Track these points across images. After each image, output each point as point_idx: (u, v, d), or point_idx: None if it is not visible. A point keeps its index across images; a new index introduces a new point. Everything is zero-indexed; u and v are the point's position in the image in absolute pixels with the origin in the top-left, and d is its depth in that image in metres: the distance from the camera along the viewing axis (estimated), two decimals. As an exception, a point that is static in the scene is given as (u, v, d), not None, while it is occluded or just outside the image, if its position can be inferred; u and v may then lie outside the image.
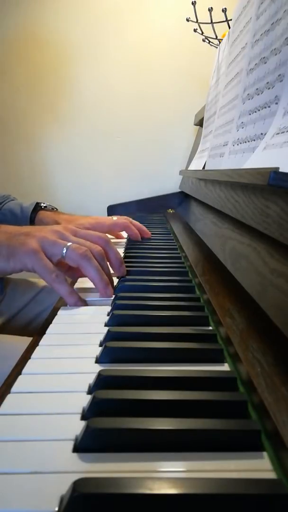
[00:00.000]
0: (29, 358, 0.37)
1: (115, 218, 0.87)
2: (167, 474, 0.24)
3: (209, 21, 1.11)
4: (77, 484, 0.21)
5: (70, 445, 0.26)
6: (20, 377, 0.33)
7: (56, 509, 0.21)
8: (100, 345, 0.39)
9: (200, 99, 1.40)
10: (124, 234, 0.95)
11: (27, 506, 0.21)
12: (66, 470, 0.24)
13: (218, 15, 1.06)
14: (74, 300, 0.50)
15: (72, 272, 0.59)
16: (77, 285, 0.60)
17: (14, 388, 0.32)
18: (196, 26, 1.18)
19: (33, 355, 0.37)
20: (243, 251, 0.47)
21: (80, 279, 0.62)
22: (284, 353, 0.31)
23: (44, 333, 0.42)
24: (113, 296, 0.53)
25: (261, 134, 0.53)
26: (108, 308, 0.49)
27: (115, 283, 0.57)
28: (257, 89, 0.59)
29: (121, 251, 0.82)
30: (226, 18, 1.03)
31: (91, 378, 0.32)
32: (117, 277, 0.60)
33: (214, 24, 1.11)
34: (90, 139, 1.60)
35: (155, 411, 0.28)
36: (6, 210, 0.96)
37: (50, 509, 0.21)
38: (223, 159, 0.73)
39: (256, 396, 0.29)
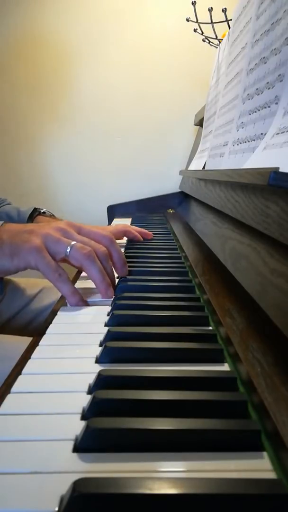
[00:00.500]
0: (29, 358, 0.37)
1: (110, 227, 0.88)
2: (167, 474, 0.24)
3: (209, 21, 1.11)
4: (77, 484, 0.21)
5: (70, 445, 0.26)
6: (20, 377, 0.33)
7: (56, 509, 0.21)
8: (100, 345, 0.39)
9: (200, 99, 1.41)
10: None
11: (27, 506, 0.21)
12: (66, 470, 0.24)
13: (218, 15, 1.06)
14: (76, 300, 0.50)
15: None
16: (78, 285, 0.60)
17: (14, 388, 0.32)
18: (196, 26, 1.18)
19: (33, 355, 0.37)
20: (243, 251, 0.47)
21: (79, 280, 0.62)
22: (284, 353, 0.31)
23: (44, 333, 0.42)
24: (114, 296, 0.53)
25: (261, 134, 0.53)
26: (108, 308, 0.49)
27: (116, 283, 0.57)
28: (257, 89, 0.59)
29: (122, 245, 0.82)
30: (226, 18, 1.03)
31: (91, 378, 0.32)
32: (117, 277, 0.60)
33: (214, 24, 1.11)
34: (90, 139, 1.60)
35: (155, 411, 0.28)
36: (2, 213, 0.95)
37: (50, 509, 0.21)
38: (223, 159, 0.73)
39: (256, 396, 0.29)
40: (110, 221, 1.38)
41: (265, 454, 0.25)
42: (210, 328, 0.43)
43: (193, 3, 1.11)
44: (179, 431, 0.26)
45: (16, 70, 1.55)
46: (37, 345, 0.40)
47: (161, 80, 1.55)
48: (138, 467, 0.24)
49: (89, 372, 0.33)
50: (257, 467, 0.24)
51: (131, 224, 1.13)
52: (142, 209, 1.43)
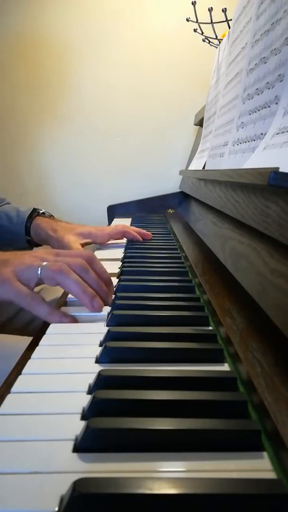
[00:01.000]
0: (29, 358, 0.37)
1: (109, 228, 0.88)
2: (167, 474, 0.24)
3: (209, 21, 1.11)
4: (77, 484, 0.21)
5: (70, 445, 0.26)
6: (20, 377, 0.33)
7: (56, 509, 0.21)
8: (100, 345, 0.39)
9: (200, 99, 1.40)
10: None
11: (27, 506, 0.21)
12: (66, 470, 0.24)
13: (218, 15, 1.06)
14: (57, 319, 0.46)
15: None
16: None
17: (14, 388, 0.32)
18: (196, 26, 1.18)
19: (33, 355, 0.37)
20: (243, 251, 0.47)
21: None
22: (284, 353, 0.31)
23: (44, 333, 0.42)
24: (107, 309, 0.49)
25: (261, 134, 0.53)
26: (108, 308, 0.49)
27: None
28: (257, 89, 0.59)
29: (121, 250, 0.82)
30: (226, 18, 1.03)
31: (91, 378, 0.32)
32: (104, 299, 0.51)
33: (214, 24, 1.11)
34: (90, 139, 1.60)
35: (155, 411, 0.28)
36: (2, 213, 0.93)
37: (50, 509, 0.21)
38: (223, 159, 0.73)
39: (256, 396, 0.29)
40: (110, 221, 1.38)
41: (265, 454, 0.25)
42: (210, 328, 0.43)
43: (193, 3, 1.11)
44: (179, 431, 0.26)
45: (16, 70, 1.55)
46: (37, 345, 0.40)
47: (161, 80, 1.55)
48: (138, 467, 0.24)
49: (89, 372, 0.33)
50: (257, 467, 0.24)
51: (131, 224, 1.13)
52: (142, 209, 1.43)
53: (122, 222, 1.14)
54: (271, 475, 0.23)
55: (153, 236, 0.92)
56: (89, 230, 0.82)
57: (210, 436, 0.25)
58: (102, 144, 1.60)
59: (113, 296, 0.53)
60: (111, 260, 0.73)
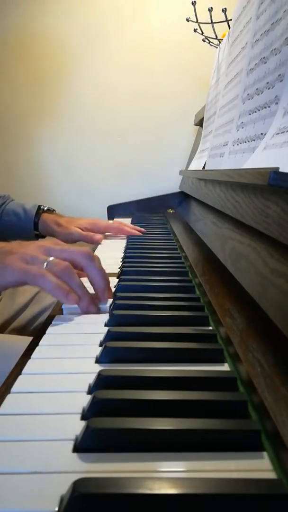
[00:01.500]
0: (29, 358, 0.37)
1: (110, 222, 1.01)
2: (167, 474, 0.24)
3: (209, 21, 1.11)
4: (77, 484, 0.21)
5: (70, 445, 0.26)
6: (20, 377, 0.33)
7: (56, 509, 0.21)
8: (100, 345, 0.39)
9: (200, 99, 1.40)
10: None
11: (27, 506, 0.21)
12: (66, 470, 0.24)
13: (218, 15, 1.06)
14: (62, 293, 0.46)
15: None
16: None
17: (14, 388, 0.32)
18: (196, 26, 1.18)
19: (33, 355, 0.37)
20: (243, 251, 0.47)
21: None
22: (284, 353, 0.31)
23: (44, 333, 0.42)
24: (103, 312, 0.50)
25: (261, 134, 0.53)
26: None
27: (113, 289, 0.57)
28: (257, 89, 0.59)
29: (121, 251, 0.82)
30: (226, 18, 1.03)
31: (91, 378, 0.32)
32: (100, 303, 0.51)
33: (214, 24, 1.11)
34: (90, 139, 1.60)
35: (155, 411, 0.28)
36: (9, 210, 1.00)
37: (50, 509, 0.21)
38: (223, 159, 0.73)
39: (256, 396, 0.29)
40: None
41: (265, 454, 0.25)
42: (210, 328, 0.43)
43: (193, 3, 1.11)
44: (179, 431, 0.26)
45: (16, 70, 1.55)
46: (37, 345, 0.40)
47: (161, 80, 1.55)
48: (138, 467, 0.24)
49: (89, 372, 0.33)
50: (257, 467, 0.24)
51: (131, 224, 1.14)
52: (142, 209, 1.43)
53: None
54: (271, 475, 0.23)
55: (153, 236, 0.92)
56: (88, 222, 0.96)
57: (210, 436, 0.25)
58: (102, 144, 1.60)
59: (113, 290, 0.54)
60: (111, 260, 0.73)
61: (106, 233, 1.00)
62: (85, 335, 0.42)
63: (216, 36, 1.16)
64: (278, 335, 0.32)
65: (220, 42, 1.12)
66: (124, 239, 0.96)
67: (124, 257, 0.75)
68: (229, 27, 0.95)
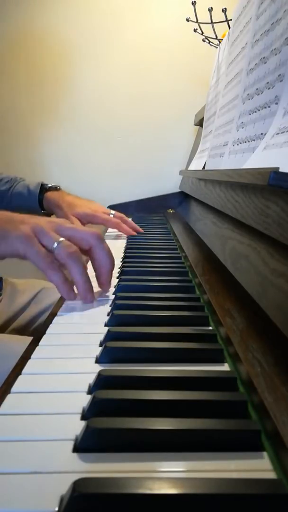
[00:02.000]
0: (29, 358, 0.37)
1: (112, 212, 0.95)
2: (167, 474, 0.24)
3: (209, 21, 1.11)
4: (77, 484, 0.21)
5: (70, 445, 0.26)
6: (20, 377, 0.33)
7: (56, 509, 0.21)
8: (100, 345, 0.39)
9: (200, 99, 1.40)
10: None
11: (27, 506, 0.21)
12: (66, 470, 0.24)
13: (218, 15, 1.06)
14: (67, 289, 0.49)
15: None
16: None
17: (14, 388, 0.32)
18: (196, 26, 1.18)
19: (33, 355, 0.37)
20: (243, 251, 0.47)
21: None
22: (284, 353, 0.31)
23: (44, 333, 0.42)
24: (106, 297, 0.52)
25: (261, 134, 0.53)
26: (108, 308, 0.49)
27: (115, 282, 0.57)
28: (257, 89, 0.59)
29: (121, 251, 0.82)
30: (226, 18, 1.03)
31: (91, 378, 0.32)
32: (117, 275, 0.56)
33: (214, 24, 1.11)
34: (90, 138, 1.60)
35: (155, 411, 0.28)
36: (15, 193, 0.99)
37: (50, 509, 0.21)
38: (223, 159, 0.73)
39: (256, 396, 0.29)
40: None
41: (265, 454, 0.25)
42: (210, 328, 0.43)
43: (193, 3, 1.11)
44: (179, 431, 0.26)
45: (16, 70, 1.55)
46: (37, 345, 0.40)
47: (161, 80, 1.55)
48: (138, 467, 0.24)
49: (89, 372, 0.33)
50: (257, 467, 0.24)
51: None
52: (142, 209, 1.43)
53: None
54: (271, 475, 0.23)
55: (153, 236, 0.92)
56: (86, 212, 0.92)
57: (210, 436, 0.25)
58: (102, 144, 1.60)
59: (114, 290, 0.55)
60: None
61: (106, 233, 0.98)
62: (85, 335, 0.42)
63: (216, 36, 1.16)
64: (278, 335, 0.32)
65: (220, 42, 1.12)
66: (124, 239, 0.96)
67: (124, 257, 0.75)
68: (229, 27, 0.95)
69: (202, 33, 1.20)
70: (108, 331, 0.40)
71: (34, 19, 1.52)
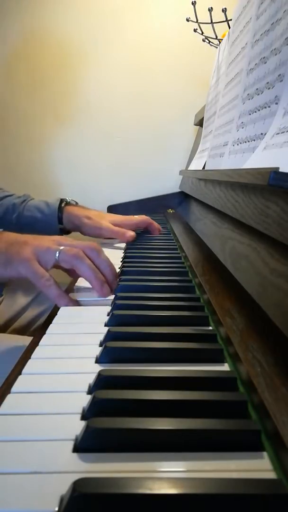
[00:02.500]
0: (29, 358, 0.37)
1: (136, 217, 0.93)
2: (167, 474, 0.24)
3: (209, 21, 1.11)
4: (77, 484, 0.21)
5: (70, 445, 0.26)
6: (20, 377, 0.33)
7: (56, 509, 0.21)
8: (100, 345, 0.39)
9: (200, 99, 1.40)
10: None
11: (27, 506, 0.21)
12: (66, 470, 0.24)
13: (218, 15, 1.06)
14: (64, 302, 0.51)
15: (72, 273, 0.60)
16: (78, 284, 0.60)
17: (14, 388, 0.32)
18: (196, 26, 1.18)
19: (33, 355, 0.37)
20: (243, 251, 0.47)
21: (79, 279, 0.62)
22: (284, 353, 0.31)
23: (44, 333, 0.42)
24: (113, 295, 0.53)
25: (261, 134, 0.53)
26: (108, 308, 0.49)
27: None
28: (257, 89, 0.59)
29: (121, 251, 0.82)
30: (226, 18, 1.03)
31: (91, 378, 0.32)
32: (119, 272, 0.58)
33: (214, 24, 1.11)
34: (90, 138, 1.60)
35: (155, 411, 0.28)
36: (31, 207, 0.96)
37: (50, 509, 0.21)
38: (223, 159, 0.73)
39: (256, 396, 0.29)
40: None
41: (265, 454, 0.25)
42: (210, 328, 0.43)
43: (193, 3, 1.11)
44: (179, 431, 0.26)
45: (17, 70, 1.55)
46: (37, 345, 0.40)
47: (161, 80, 1.55)
48: (138, 467, 0.24)
49: (89, 372, 0.33)
50: (257, 467, 0.24)
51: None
52: (142, 209, 1.43)
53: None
54: (271, 475, 0.23)
55: (153, 236, 0.92)
56: (120, 218, 0.90)
57: (210, 436, 0.25)
58: (102, 144, 1.60)
59: (117, 284, 0.57)
60: (111, 260, 0.72)
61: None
62: (85, 335, 0.42)
63: (216, 36, 1.16)
64: (278, 335, 0.32)
65: (220, 42, 1.12)
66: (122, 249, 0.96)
67: (124, 257, 0.75)
68: (229, 27, 0.95)
69: (202, 33, 1.20)
70: (108, 331, 0.40)
71: (35, 19, 1.52)
